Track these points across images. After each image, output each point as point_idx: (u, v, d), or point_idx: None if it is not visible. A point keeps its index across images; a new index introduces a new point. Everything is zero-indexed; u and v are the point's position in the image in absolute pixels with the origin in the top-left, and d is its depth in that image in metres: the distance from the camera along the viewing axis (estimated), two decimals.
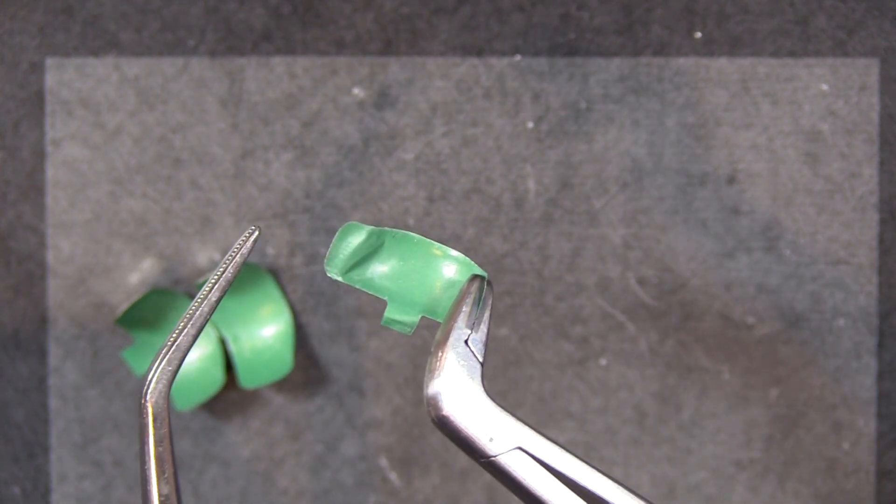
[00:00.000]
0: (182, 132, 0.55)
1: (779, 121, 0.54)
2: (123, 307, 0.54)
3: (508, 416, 0.40)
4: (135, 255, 0.55)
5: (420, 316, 0.43)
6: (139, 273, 0.55)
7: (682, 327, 0.55)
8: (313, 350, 0.55)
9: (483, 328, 0.41)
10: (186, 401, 0.54)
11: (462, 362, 0.41)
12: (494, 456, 0.40)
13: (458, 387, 0.40)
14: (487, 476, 0.55)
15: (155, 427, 0.42)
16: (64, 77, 0.55)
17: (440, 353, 0.41)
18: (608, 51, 0.54)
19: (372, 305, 0.55)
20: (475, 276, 0.43)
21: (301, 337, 0.55)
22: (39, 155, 0.55)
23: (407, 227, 0.55)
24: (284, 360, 0.54)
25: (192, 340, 0.43)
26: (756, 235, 0.54)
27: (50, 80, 0.55)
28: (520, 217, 0.55)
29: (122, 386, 0.55)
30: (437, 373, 0.40)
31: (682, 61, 0.54)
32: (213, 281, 0.43)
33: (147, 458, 0.42)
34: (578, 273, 0.55)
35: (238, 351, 0.54)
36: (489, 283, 0.42)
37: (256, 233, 0.43)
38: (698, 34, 0.54)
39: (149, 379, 0.42)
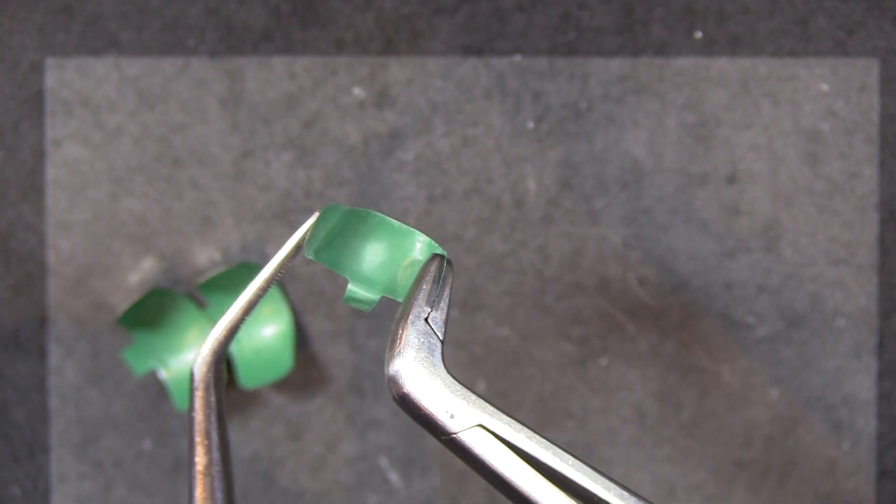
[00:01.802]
0: (182, 132, 0.55)
1: (779, 121, 0.54)
2: (123, 307, 0.54)
3: (470, 393, 0.40)
4: (135, 255, 0.55)
5: (380, 295, 0.43)
6: (139, 273, 0.55)
7: (682, 327, 0.55)
8: (313, 350, 0.55)
9: (443, 306, 0.41)
10: (186, 401, 0.54)
11: (422, 339, 0.41)
12: (455, 433, 0.40)
13: (418, 364, 0.40)
14: None
15: (199, 396, 0.43)
16: (64, 77, 0.55)
17: (400, 331, 0.41)
18: (608, 51, 0.54)
19: None
20: (435, 255, 0.43)
21: (301, 337, 0.55)
22: (39, 155, 0.55)
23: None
24: (284, 360, 0.54)
25: (243, 316, 0.44)
26: (756, 235, 0.54)
27: (50, 80, 0.55)
28: (520, 217, 0.55)
29: (122, 386, 0.55)
30: (396, 350, 0.40)
31: (682, 61, 0.54)
32: (272, 265, 0.44)
33: (191, 426, 0.43)
34: (578, 273, 0.55)
35: (238, 351, 0.54)
36: (449, 262, 0.43)
37: (315, 215, 0.44)
38: (698, 34, 0.54)
39: (202, 350, 0.43)
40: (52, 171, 0.55)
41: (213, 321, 0.54)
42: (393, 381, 0.40)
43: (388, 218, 0.43)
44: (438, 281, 0.42)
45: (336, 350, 0.55)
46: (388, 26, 0.54)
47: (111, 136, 0.55)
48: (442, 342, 0.41)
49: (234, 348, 0.54)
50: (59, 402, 0.55)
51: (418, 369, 0.40)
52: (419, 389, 0.40)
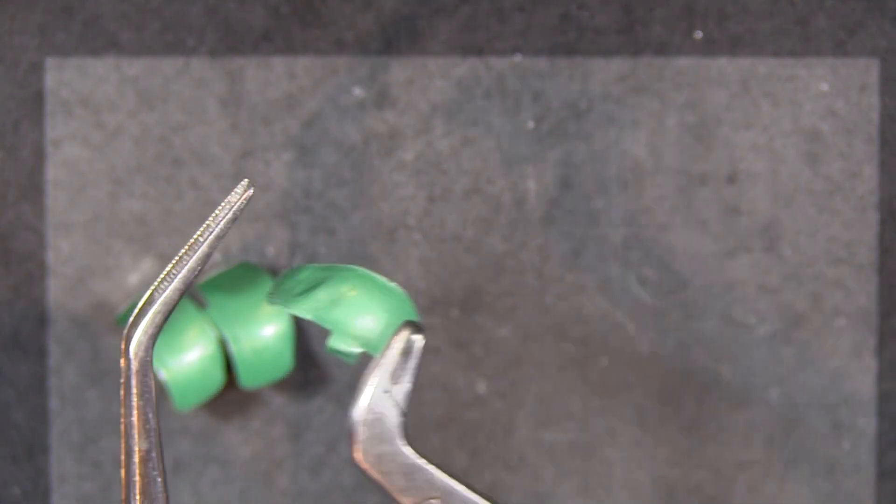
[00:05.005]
0: (182, 132, 0.55)
1: (779, 121, 0.54)
2: (123, 307, 0.54)
3: (426, 467, 0.42)
4: (135, 255, 0.55)
5: (361, 351, 0.43)
6: (139, 273, 0.55)
7: (682, 327, 0.55)
8: (313, 350, 0.55)
9: (408, 378, 0.42)
10: (186, 401, 0.54)
11: (382, 412, 0.42)
12: None
13: (374, 437, 0.42)
14: (488, 478, 0.55)
15: (137, 380, 0.42)
16: (64, 77, 0.55)
17: (359, 404, 0.42)
18: (608, 51, 0.54)
19: None
20: (405, 324, 0.43)
21: (301, 337, 0.55)
22: (39, 155, 0.55)
23: (407, 227, 0.55)
24: (284, 360, 0.54)
25: (180, 295, 0.42)
26: (756, 235, 0.54)
27: (50, 80, 0.55)
28: (520, 217, 0.55)
29: None
30: (356, 423, 0.42)
31: (682, 61, 0.54)
32: (203, 234, 0.42)
33: (129, 413, 0.42)
34: (578, 273, 0.55)
35: (238, 351, 0.54)
36: (421, 329, 0.43)
37: (251, 191, 0.43)
38: (699, 34, 0.54)
39: (133, 330, 0.42)
40: (52, 171, 0.55)
41: (214, 321, 0.54)
42: (352, 449, 0.42)
43: (370, 273, 0.44)
44: (406, 353, 0.42)
45: None
46: (388, 26, 0.54)
47: (111, 136, 0.55)
48: (404, 415, 0.42)
49: (234, 348, 0.54)
50: (58, 403, 0.55)
51: (374, 443, 0.42)
52: (373, 461, 0.42)
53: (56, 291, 0.55)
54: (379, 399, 0.42)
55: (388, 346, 0.42)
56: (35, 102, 0.55)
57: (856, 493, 0.55)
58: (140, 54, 0.55)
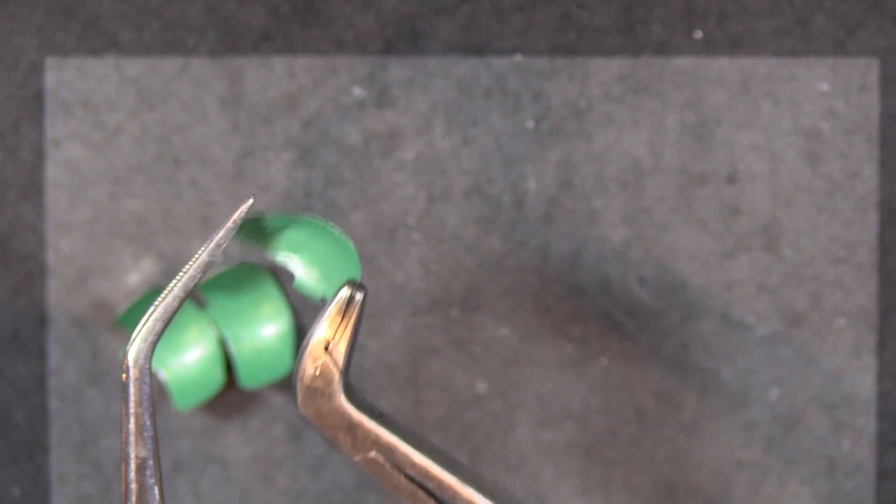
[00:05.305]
0: (182, 132, 0.55)
1: (779, 120, 0.54)
2: (123, 307, 0.54)
3: (366, 423, 0.43)
4: (135, 255, 0.55)
5: (322, 295, 0.45)
6: (139, 273, 0.55)
7: (682, 327, 0.55)
8: None
9: (345, 336, 0.43)
10: (186, 401, 0.54)
11: (320, 368, 0.43)
12: (353, 458, 0.43)
13: (314, 393, 0.43)
14: (488, 478, 0.55)
15: (136, 388, 0.42)
16: (64, 77, 0.55)
17: (299, 360, 0.43)
18: (608, 50, 0.54)
19: (372, 305, 0.55)
20: (347, 283, 0.44)
21: (301, 337, 0.55)
22: (39, 155, 0.55)
23: (407, 227, 0.55)
24: (284, 360, 0.54)
25: (180, 303, 0.43)
26: (756, 235, 0.55)
27: (50, 80, 0.55)
28: (520, 217, 0.55)
29: None
30: (297, 380, 0.43)
31: (682, 61, 0.54)
32: (206, 245, 0.43)
33: (127, 420, 0.42)
34: (578, 273, 0.55)
35: (238, 351, 0.54)
36: (361, 287, 0.44)
37: (251, 199, 0.43)
38: (699, 34, 0.54)
39: (133, 338, 0.42)
40: (52, 171, 0.55)
41: (214, 321, 0.54)
42: (297, 405, 0.43)
43: (327, 225, 0.44)
44: (345, 311, 0.43)
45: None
46: (388, 26, 0.54)
47: (111, 136, 0.55)
48: (341, 371, 0.43)
49: (234, 348, 0.54)
50: (58, 403, 0.55)
51: (315, 399, 0.43)
52: (317, 416, 0.43)
53: (56, 291, 0.55)
54: (318, 356, 0.43)
55: (327, 304, 0.43)
56: (35, 102, 0.55)
57: (856, 493, 0.55)
58: (140, 54, 0.55)
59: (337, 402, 0.43)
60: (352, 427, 0.43)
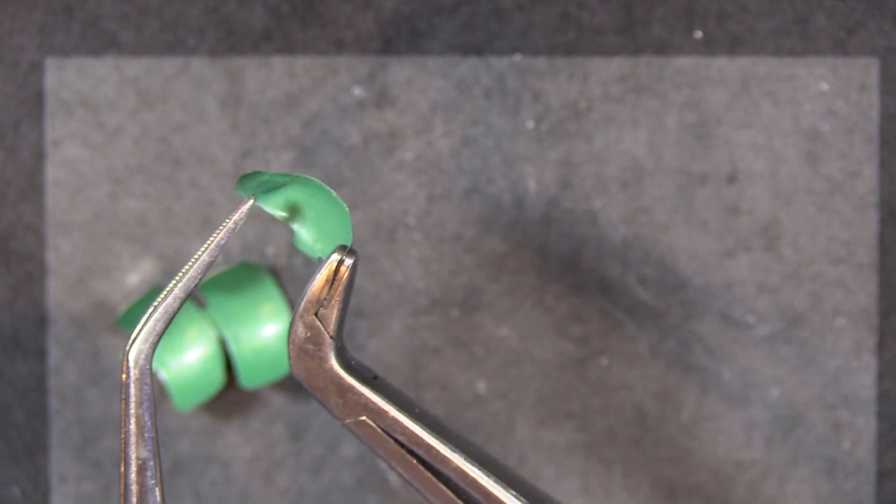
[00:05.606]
0: (182, 132, 0.55)
1: (779, 120, 0.54)
2: (123, 307, 0.54)
3: (357, 387, 0.44)
4: (135, 255, 0.55)
5: (319, 255, 0.45)
6: (139, 273, 0.55)
7: (682, 327, 0.55)
8: None
9: (334, 302, 0.43)
10: (186, 401, 0.54)
11: (311, 333, 0.43)
12: (344, 421, 0.44)
13: (305, 355, 0.44)
14: None
15: (136, 388, 0.42)
16: (64, 77, 0.55)
17: (291, 325, 0.44)
18: (608, 50, 0.54)
19: (372, 305, 0.55)
20: (337, 249, 0.44)
21: None
22: (39, 155, 0.55)
23: (407, 227, 0.55)
24: (284, 360, 0.54)
25: (181, 303, 0.43)
26: (756, 235, 0.54)
27: (50, 80, 0.55)
28: (520, 217, 0.55)
29: None
30: (290, 341, 0.44)
31: (682, 61, 0.54)
32: (206, 245, 0.43)
33: (127, 420, 0.42)
34: (578, 273, 0.55)
35: (238, 351, 0.54)
36: (352, 252, 0.44)
37: (251, 200, 0.43)
38: (698, 34, 0.54)
39: (133, 338, 0.42)
40: (52, 171, 0.55)
41: (214, 321, 0.54)
42: (291, 367, 0.44)
43: (324, 186, 0.44)
44: (335, 277, 0.44)
45: None
46: (388, 26, 0.54)
47: (111, 136, 0.55)
48: (332, 337, 0.43)
49: (234, 348, 0.54)
50: (58, 403, 0.55)
51: (306, 360, 0.44)
52: (308, 380, 0.44)
53: (56, 291, 0.55)
54: (309, 320, 0.43)
55: (317, 270, 0.43)
56: (35, 102, 0.55)
57: (856, 493, 0.55)
58: (140, 54, 0.55)
59: (328, 365, 0.44)
60: (342, 390, 0.44)
